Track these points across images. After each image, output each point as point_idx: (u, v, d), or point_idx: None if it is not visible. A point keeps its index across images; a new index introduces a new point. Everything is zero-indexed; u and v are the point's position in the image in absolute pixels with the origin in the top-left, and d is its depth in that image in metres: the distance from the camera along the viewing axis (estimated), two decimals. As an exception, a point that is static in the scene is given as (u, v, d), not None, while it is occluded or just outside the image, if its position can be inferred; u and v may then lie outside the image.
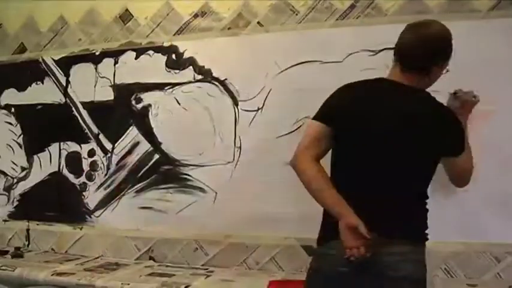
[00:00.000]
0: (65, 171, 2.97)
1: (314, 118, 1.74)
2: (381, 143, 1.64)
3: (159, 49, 2.77)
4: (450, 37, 1.75)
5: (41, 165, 3.04)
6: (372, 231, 1.54)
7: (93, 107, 2.91)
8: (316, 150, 1.71)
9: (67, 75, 3.01)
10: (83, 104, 2.94)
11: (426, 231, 1.71)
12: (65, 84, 3.01)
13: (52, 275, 2.37)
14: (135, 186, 2.76)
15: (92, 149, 2.90)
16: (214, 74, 2.63)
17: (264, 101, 2.52)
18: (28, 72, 3.12)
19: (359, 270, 1.57)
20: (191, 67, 2.67)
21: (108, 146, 2.86)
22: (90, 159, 2.91)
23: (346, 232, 1.56)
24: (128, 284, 2.23)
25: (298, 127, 2.44)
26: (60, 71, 3.03)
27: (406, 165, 1.64)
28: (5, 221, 3.12)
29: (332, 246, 1.65)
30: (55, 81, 3.03)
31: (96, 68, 2.91)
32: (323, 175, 1.68)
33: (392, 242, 1.58)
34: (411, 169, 1.65)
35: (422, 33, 1.73)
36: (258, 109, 2.53)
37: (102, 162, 2.87)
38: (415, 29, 1.76)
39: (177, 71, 2.71)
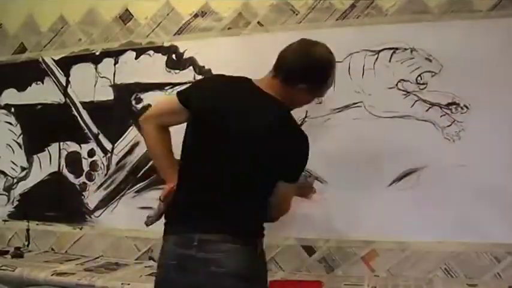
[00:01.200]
0: (65, 171, 2.97)
1: (178, 93, 1.82)
2: (222, 140, 1.66)
3: (159, 49, 2.77)
4: (329, 64, 1.76)
5: (40, 165, 3.04)
6: (198, 228, 1.62)
7: (93, 107, 2.91)
8: (164, 120, 1.82)
9: (67, 75, 3.01)
10: (83, 104, 2.94)
11: (258, 230, 1.73)
12: (65, 84, 3.01)
13: (52, 275, 2.37)
14: (135, 186, 2.76)
15: (92, 149, 2.90)
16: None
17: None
18: (28, 72, 3.11)
19: (184, 264, 1.64)
20: (191, 67, 2.67)
21: (108, 146, 2.86)
22: (90, 159, 2.91)
23: (165, 194, 1.84)
24: (128, 284, 2.23)
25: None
26: (60, 71, 3.03)
27: (243, 169, 1.65)
28: (5, 221, 3.12)
29: (165, 240, 1.77)
30: (55, 81, 3.03)
31: (96, 68, 2.91)
32: (160, 137, 1.83)
33: (218, 240, 1.60)
34: (247, 174, 1.65)
35: (304, 48, 1.77)
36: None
37: (102, 162, 2.87)
38: (301, 43, 1.80)
39: (177, 71, 2.71)
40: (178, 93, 1.81)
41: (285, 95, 1.73)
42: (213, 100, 1.73)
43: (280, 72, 1.74)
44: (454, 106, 2.25)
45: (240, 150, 1.65)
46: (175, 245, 1.69)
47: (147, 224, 1.96)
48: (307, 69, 1.73)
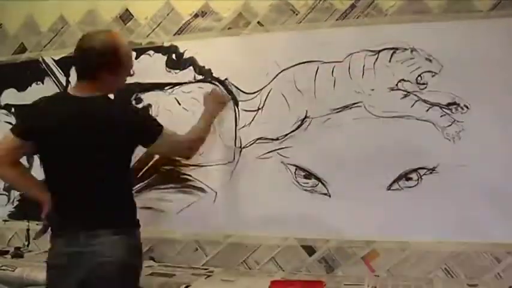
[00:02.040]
0: (65, 171, 2.96)
1: (11, 129, 1.99)
2: (66, 152, 1.90)
3: (159, 49, 2.77)
4: (114, 47, 1.98)
5: (41, 165, 3.02)
6: (82, 228, 1.86)
7: (93, 107, 2.90)
8: (12, 157, 1.99)
9: (67, 75, 3.00)
10: (83, 104, 2.93)
11: (133, 219, 2.02)
12: (65, 84, 3.00)
13: (52, 275, 2.37)
14: (135, 187, 2.76)
15: (92, 149, 2.89)
16: (215, 74, 2.62)
17: (265, 101, 2.51)
18: (28, 72, 3.11)
19: (74, 260, 1.86)
20: (191, 67, 2.66)
21: (108, 146, 2.85)
22: (90, 159, 2.90)
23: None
24: (127, 284, 2.23)
25: (298, 127, 2.44)
26: (60, 71, 3.02)
27: (94, 166, 1.89)
28: (5, 221, 3.12)
29: (53, 243, 1.98)
30: (55, 81, 3.03)
31: (96, 68, 2.91)
32: (22, 174, 2.08)
33: (99, 234, 1.85)
34: (99, 168, 1.90)
35: (85, 45, 1.97)
36: (258, 109, 2.53)
37: (103, 162, 2.86)
38: (81, 42, 2.00)
39: (177, 71, 2.71)
40: (12, 130, 1.98)
41: (96, 86, 1.95)
42: (43, 121, 1.93)
43: (80, 71, 2.00)
44: (454, 106, 2.25)
45: (89, 151, 1.87)
46: (64, 246, 1.90)
47: (35, 238, 2.45)
48: (99, 57, 1.93)
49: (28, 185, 2.11)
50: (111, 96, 2.09)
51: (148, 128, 2.03)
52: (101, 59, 1.93)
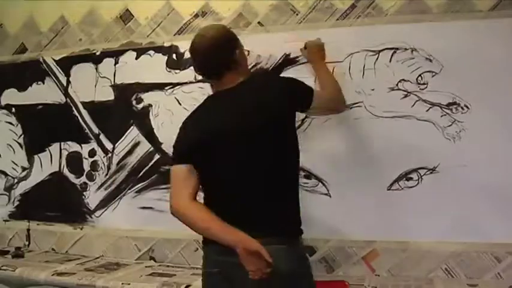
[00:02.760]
0: (66, 171, 2.97)
1: (172, 163, 1.82)
2: (235, 150, 1.71)
3: (159, 49, 2.77)
4: (222, 31, 1.89)
5: (41, 165, 3.04)
6: (249, 232, 1.60)
7: (93, 107, 2.91)
8: (187, 191, 1.74)
9: (67, 75, 3.01)
10: (84, 104, 2.94)
11: (297, 228, 1.77)
12: (65, 84, 3.01)
13: (53, 275, 2.38)
14: (136, 186, 2.76)
15: (93, 149, 2.90)
16: (215, 74, 2.62)
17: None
18: (28, 72, 3.12)
19: (228, 272, 1.67)
20: (192, 67, 2.66)
21: (108, 146, 2.86)
22: (91, 159, 2.91)
23: (246, 257, 1.58)
24: (129, 284, 2.24)
25: (299, 127, 2.44)
26: (60, 71, 3.03)
27: (267, 158, 1.71)
28: (5, 221, 3.12)
29: (206, 249, 1.78)
30: (55, 81, 3.03)
31: (96, 68, 2.91)
32: (201, 211, 1.71)
33: (269, 241, 1.60)
34: (274, 160, 1.71)
35: (202, 46, 1.83)
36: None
37: (103, 162, 2.87)
38: (194, 48, 1.86)
39: (178, 71, 2.71)
40: (175, 162, 1.81)
41: (237, 74, 1.83)
42: (199, 132, 1.79)
43: (209, 75, 1.88)
44: (455, 106, 2.25)
45: (261, 142, 1.70)
46: (216, 253, 1.70)
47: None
48: (218, 53, 1.82)
49: (217, 224, 1.66)
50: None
51: (303, 91, 1.89)
52: (228, 44, 1.84)
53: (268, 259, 1.55)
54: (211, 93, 1.93)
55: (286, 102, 1.77)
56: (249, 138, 1.70)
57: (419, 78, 2.28)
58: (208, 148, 1.73)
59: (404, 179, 2.28)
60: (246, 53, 2.06)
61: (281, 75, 1.92)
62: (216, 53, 1.80)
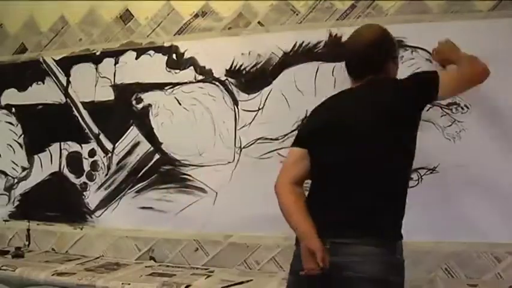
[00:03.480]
0: (66, 171, 2.97)
1: (292, 145, 1.86)
2: (354, 147, 1.66)
3: (159, 49, 2.78)
4: (383, 35, 1.84)
5: (41, 165, 3.04)
6: (331, 231, 1.59)
7: (93, 107, 2.91)
8: (293, 172, 1.77)
9: (67, 75, 3.01)
10: (84, 104, 2.94)
11: (395, 231, 1.67)
12: (65, 84, 3.01)
13: (53, 275, 2.38)
14: (136, 186, 2.76)
15: (93, 149, 2.90)
16: (215, 74, 2.63)
17: (265, 101, 2.52)
18: (29, 72, 3.12)
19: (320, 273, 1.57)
20: (192, 67, 2.67)
21: (108, 146, 2.86)
22: (91, 159, 2.91)
23: (305, 253, 1.60)
24: (129, 284, 2.23)
25: (299, 127, 2.44)
26: (60, 71, 3.03)
27: (374, 162, 1.64)
28: (5, 221, 3.12)
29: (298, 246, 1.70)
30: (56, 81, 3.03)
31: (96, 68, 2.92)
32: (294, 196, 1.73)
33: (351, 242, 1.57)
34: (388, 165, 1.65)
35: (357, 42, 1.84)
36: (259, 109, 2.53)
37: (103, 162, 2.87)
38: (350, 42, 1.89)
39: (178, 71, 2.71)
40: (294, 144, 1.85)
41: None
42: (323, 122, 1.78)
43: (359, 75, 1.82)
44: (455, 106, 2.25)
45: (378, 145, 1.65)
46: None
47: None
48: (374, 56, 1.80)
49: (300, 215, 1.68)
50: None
51: (420, 87, 1.75)
52: (383, 47, 1.81)
53: (320, 262, 1.54)
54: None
55: (402, 106, 1.69)
56: (362, 137, 1.67)
57: (420, 78, 2.28)
58: (328, 138, 1.73)
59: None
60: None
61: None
62: (373, 51, 1.79)
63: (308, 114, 1.92)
